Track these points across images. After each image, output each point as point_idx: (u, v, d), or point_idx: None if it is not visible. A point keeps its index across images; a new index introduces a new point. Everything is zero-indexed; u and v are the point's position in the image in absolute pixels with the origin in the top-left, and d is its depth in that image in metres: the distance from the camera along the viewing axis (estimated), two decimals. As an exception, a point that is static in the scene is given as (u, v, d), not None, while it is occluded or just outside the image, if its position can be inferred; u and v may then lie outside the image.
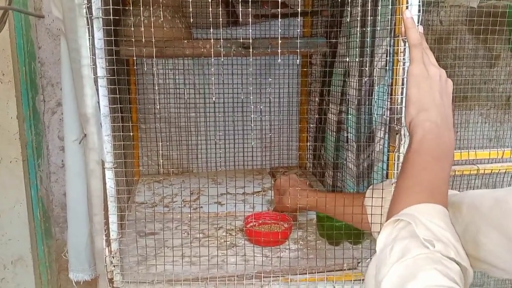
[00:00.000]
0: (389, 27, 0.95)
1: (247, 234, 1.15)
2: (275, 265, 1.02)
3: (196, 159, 1.61)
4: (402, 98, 0.96)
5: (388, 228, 0.54)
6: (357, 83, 1.13)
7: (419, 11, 0.79)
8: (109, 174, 0.90)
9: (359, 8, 1.06)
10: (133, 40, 0.94)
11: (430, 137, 0.61)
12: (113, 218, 0.92)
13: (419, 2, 0.80)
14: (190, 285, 0.97)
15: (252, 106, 1.31)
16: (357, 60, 1.12)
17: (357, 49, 1.08)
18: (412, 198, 0.56)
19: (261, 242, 1.10)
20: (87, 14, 0.82)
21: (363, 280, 1.04)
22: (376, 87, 1.03)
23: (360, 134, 1.15)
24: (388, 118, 0.99)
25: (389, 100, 0.99)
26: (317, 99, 1.53)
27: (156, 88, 1.41)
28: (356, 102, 1.15)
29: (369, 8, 0.94)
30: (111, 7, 0.85)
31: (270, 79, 1.46)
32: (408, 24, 0.74)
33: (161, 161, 1.52)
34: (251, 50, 1.01)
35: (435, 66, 0.69)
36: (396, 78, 0.96)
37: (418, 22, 0.79)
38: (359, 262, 1.05)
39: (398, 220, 0.54)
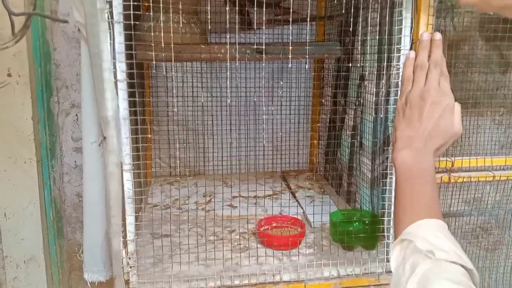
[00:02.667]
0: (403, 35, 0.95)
1: (260, 237, 1.15)
2: (287, 269, 1.02)
3: (208, 162, 1.62)
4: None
5: (397, 248, 0.60)
6: (374, 88, 1.13)
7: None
8: (127, 176, 0.91)
9: (375, 14, 1.07)
10: (152, 44, 0.95)
11: (408, 166, 0.67)
12: (130, 220, 0.93)
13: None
14: (207, 283, 0.97)
15: (264, 108, 1.31)
16: (373, 66, 1.13)
17: (374, 54, 1.09)
18: (410, 217, 0.62)
19: (275, 246, 1.11)
20: (109, 19, 0.84)
21: (377, 286, 1.05)
22: (392, 94, 1.03)
23: (376, 139, 1.15)
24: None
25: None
26: (329, 103, 1.54)
27: (172, 91, 1.42)
28: (372, 108, 1.15)
29: (387, 13, 0.95)
30: (131, 12, 0.86)
31: (282, 83, 1.47)
32: (406, 62, 0.77)
33: (174, 163, 1.53)
34: (264, 55, 1.02)
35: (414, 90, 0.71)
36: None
37: (432, 29, 0.80)
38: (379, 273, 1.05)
39: (402, 240, 0.60)
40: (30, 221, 1.57)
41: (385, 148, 1.09)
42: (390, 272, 1.02)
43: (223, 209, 1.33)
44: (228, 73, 1.28)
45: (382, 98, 1.09)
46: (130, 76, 0.90)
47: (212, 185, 1.44)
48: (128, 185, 0.92)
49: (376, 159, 1.18)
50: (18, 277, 1.61)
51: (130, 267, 0.95)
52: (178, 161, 1.49)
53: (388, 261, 1.06)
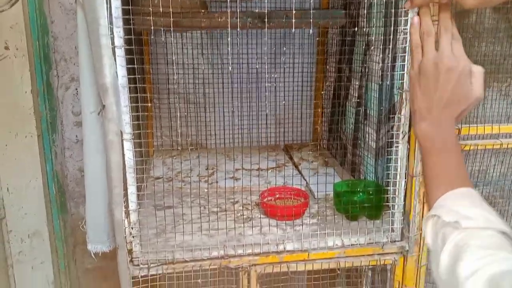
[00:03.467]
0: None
1: (263, 208, 1.15)
2: (291, 239, 1.02)
3: (210, 135, 1.61)
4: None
5: (429, 223, 0.62)
6: (380, 55, 1.10)
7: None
8: (128, 146, 0.90)
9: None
10: (151, 10, 0.92)
11: (429, 138, 0.67)
12: (132, 189, 0.92)
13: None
14: (210, 252, 0.97)
15: (266, 75, 1.28)
16: (379, 32, 1.10)
17: (381, 20, 1.05)
18: (437, 189, 0.63)
19: (278, 216, 1.11)
20: (104, -19, 0.80)
21: (381, 254, 1.05)
22: (398, 61, 1.00)
23: (381, 108, 1.13)
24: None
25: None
26: (333, 74, 1.51)
27: (171, 58, 1.39)
28: (377, 76, 1.12)
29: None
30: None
31: (285, 49, 1.43)
32: (411, 28, 0.73)
33: (176, 136, 1.52)
34: (266, 22, 0.99)
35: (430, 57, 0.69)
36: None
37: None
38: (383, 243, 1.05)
39: (432, 215, 0.61)
40: (33, 195, 1.57)
41: (391, 116, 1.07)
42: (395, 241, 1.05)
43: (225, 181, 1.32)
44: (229, 38, 1.25)
45: (389, 64, 1.06)
46: (128, 42, 0.87)
47: (214, 158, 1.43)
48: (129, 154, 0.90)
49: (381, 129, 1.17)
50: (23, 251, 1.62)
51: (133, 236, 0.94)
52: (179, 134, 1.48)
53: (393, 230, 1.06)
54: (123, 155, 0.90)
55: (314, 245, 1.02)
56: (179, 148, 1.56)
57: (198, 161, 1.44)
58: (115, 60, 0.85)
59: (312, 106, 1.65)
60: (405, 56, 0.96)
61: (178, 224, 1.05)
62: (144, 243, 0.98)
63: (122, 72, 0.87)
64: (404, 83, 0.97)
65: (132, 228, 0.94)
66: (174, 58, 1.24)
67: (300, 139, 1.70)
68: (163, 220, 1.05)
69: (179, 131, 1.36)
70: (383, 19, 1.08)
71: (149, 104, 1.44)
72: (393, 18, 1.01)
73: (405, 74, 0.97)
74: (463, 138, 1.02)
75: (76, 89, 1.65)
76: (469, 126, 1.00)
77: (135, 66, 0.89)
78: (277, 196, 1.21)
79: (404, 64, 0.96)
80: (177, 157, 1.55)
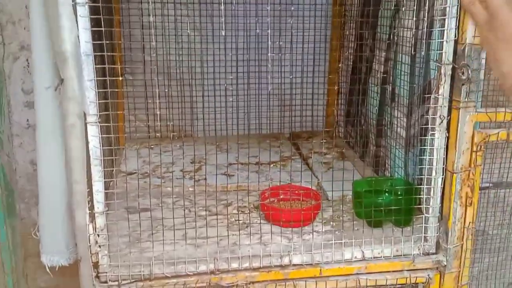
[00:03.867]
0: None
1: (264, 212, 1.15)
2: (299, 250, 1.02)
3: (197, 120, 1.60)
4: (473, 37, 0.95)
5: None
6: (413, 21, 1.09)
7: None
8: (93, 131, 0.89)
9: None
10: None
11: None
12: (98, 187, 0.91)
13: None
14: (197, 267, 0.97)
15: (269, 43, 1.26)
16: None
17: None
18: None
19: (282, 222, 1.10)
20: None
21: (412, 270, 1.05)
22: (436, 25, 0.99)
23: (413, 87, 1.12)
24: (451, 65, 0.97)
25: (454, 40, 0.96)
26: (353, 42, 1.50)
27: (147, 20, 1.37)
28: (409, 46, 1.12)
29: None
30: None
31: (292, 9, 1.40)
32: None
33: (153, 120, 1.50)
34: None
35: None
36: (463, 15, 0.94)
37: None
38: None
39: None
40: (-27, 195, 1.56)
41: (426, 97, 1.06)
42: (429, 254, 1.05)
43: (216, 178, 1.32)
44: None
45: (424, 31, 1.05)
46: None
47: (203, 149, 1.42)
48: (94, 142, 0.90)
49: (413, 113, 1.16)
50: (-40, 265, 1.62)
51: (100, 246, 0.94)
52: (158, 118, 1.46)
53: (426, 240, 1.05)
54: (87, 143, 0.89)
55: (327, 258, 1.02)
56: (157, 135, 1.56)
57: (182, 152, 1.43)
58: (77, 22, 0.84)
59: (325, 84, 1.64)
60: (444, 20, 0.95)
61: (156, 231, 1.04)
62: (114, 254, 0.97)
63: (85, 36, 0.85)
64: (444, 55, 0.97)
65: (98, 235, 0.94)
66: (151, 20, 1.22)
67: (311, 126, 1.69)
68: (138, 225, 1.04)
69: (157, 113, 1.35)
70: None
71: (120, 78, 1.43)
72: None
73: (445, 43, 0.96)
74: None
75: (27, 60, 1.64)
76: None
77: (102, 29, 0.88)
78: (281, 197, 1.21)
79: (444, 30, 0.96)
80: (155, 147, 1.54)
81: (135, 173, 1.36)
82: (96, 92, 0.88)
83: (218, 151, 1.50)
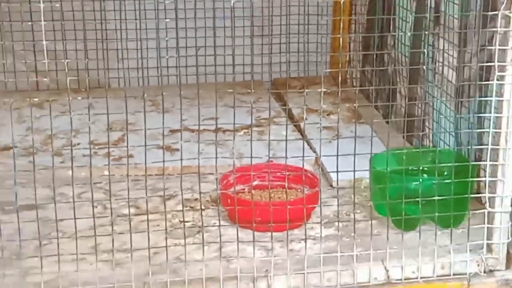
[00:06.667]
0: None
1: (226, 207, 1.20)
2: (283, 268, 1.03)
3: (118, 62, 1.63)
4: None
5: None
6: None
7: None
8: None
9: None
10: None
11: None
12: None
13: None
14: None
15: None
16: None
17: None
18: None
19: (256, 223, 1.12)
20: None
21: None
22: None
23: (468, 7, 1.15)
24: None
25: None
26: None
27: None
28: None
29: None
30: None
31: None
32: None
33: (44, 65, 1.48)
34: None
35: None
36: None
37: None
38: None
39: None
40: None
41: (489, 15, 1.07)
42: (494, 270, 1.07)
43: (147, 154, 1.27)
44: None
45: None
46: None
47: (123, 107, 1.41)
48: None
49: (467, 44, 1.19)
50: None
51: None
52: (53, 62, 1.44)
53: (490, 249, 1.08)
54: None
55: (330, 281, 1.04)
56: (49, 84, 1.53)
57: (90, 113, 1.41)
58: None
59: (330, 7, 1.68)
60: None
61: (49, 241, 1.06)
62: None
63: None
64: None
65: None
66: None
67: (305, 68, 1.68)
68: (17, 233, 1.05)
69: (45, 50, 1.33)
70: None
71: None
72: None
73: None
74: None
75: None
76: None
77: None
78: (255, 183, 1.24)
79: None
80: (45, 105, 1.50)
81: (11, 148, 1.35)
82: None
83: (152, 112, 1.48)
